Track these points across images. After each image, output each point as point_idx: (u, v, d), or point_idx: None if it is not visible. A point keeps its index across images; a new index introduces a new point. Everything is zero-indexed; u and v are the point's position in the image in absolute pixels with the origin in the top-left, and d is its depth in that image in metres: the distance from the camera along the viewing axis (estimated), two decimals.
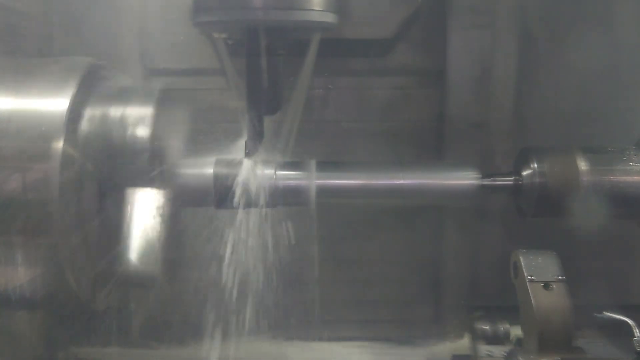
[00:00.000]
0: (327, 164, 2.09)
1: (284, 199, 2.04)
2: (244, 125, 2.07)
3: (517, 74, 2.48)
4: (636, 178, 2.00)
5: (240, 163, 2.01)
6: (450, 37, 2.46)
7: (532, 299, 1.72)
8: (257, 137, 2.06)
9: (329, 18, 1.99)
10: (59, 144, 1.67)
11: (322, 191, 2.03)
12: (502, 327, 2.04)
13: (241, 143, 2.07)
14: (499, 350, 1.98)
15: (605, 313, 1.79)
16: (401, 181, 2.03)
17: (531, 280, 1.75)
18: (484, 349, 2.07)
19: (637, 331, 1.69)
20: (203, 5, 1.95)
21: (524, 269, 1.77)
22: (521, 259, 1.80)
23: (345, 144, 2.56)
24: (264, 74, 2.04)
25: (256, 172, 2.01)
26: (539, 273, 1.77)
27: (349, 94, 2.60)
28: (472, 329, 2.15)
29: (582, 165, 2.00)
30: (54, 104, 1.72)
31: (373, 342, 2.60)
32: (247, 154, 2.04)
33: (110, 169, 1.85)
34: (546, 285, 1.75)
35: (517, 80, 2.49)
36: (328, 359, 2.54)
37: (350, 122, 2.60)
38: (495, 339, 2.05)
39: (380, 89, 2.60)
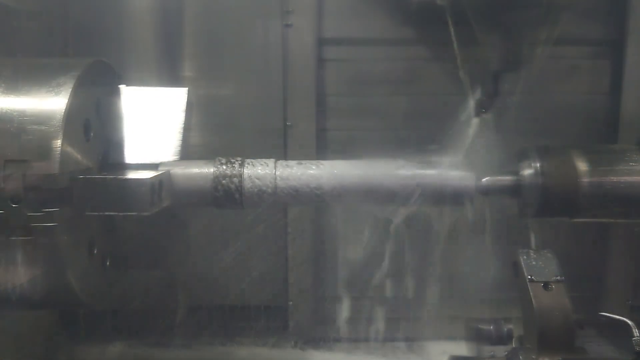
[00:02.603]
0: (327, 161, 2.09)
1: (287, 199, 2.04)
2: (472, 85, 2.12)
3: None
4: (637, 178, 1.99)
5: (241, 163, 2.01)
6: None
7: (532, 298, 1.72)
8: (492, 94, 2.09)
9: None
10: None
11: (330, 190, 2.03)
12: (505, 327, 2.04)
13: None
14: (501, 351, 1.98)
15: (604, 313, 1.79)
16: (399, 181, 2.02)
17: (531, 280, 1.75)
18: (486, 349, 2.06)
19: (637, 331, 1.68)
20: None
21: (524, 269, 1.77)
22: (521, 259, 1.80)
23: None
24: (512, 30, 2.06)
25: (257, 171, 2.01)
26: (538, 273, 1.77)
27: None
28: (474, 329, 2.14)
29: (583, 165, 2.00)
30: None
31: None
32: (480, 112, 2.04)
33: None
34: (545, 285, 1.75)
35: None
36: None
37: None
38: (498, 340, 2.05)
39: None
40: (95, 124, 1.93)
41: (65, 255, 1.74)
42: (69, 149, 1.74)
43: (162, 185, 1.92)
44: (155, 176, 1.87)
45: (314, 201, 2.06)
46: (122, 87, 2.11)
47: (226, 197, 2.00)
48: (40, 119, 1.71)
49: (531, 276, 1.76)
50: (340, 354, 2.64)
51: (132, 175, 1.92)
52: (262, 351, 2.65)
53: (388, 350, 2.65)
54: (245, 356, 2.62)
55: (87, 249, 1.92)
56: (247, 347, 2.66)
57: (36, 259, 1.73)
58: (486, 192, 2.06)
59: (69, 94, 1.73)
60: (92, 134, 1.90)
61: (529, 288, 1.73)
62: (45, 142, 1.69)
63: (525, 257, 1.80)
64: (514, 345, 1.90)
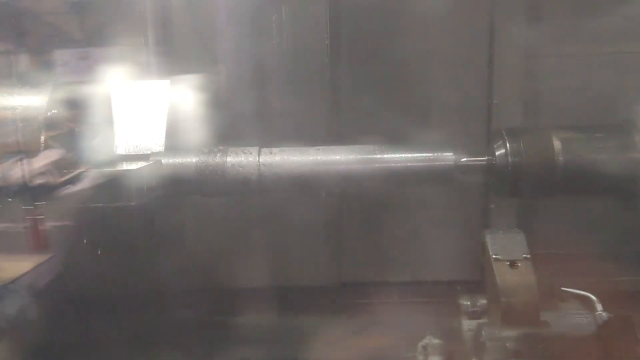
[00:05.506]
0: (310, 147, 2.15)
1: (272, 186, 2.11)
2: None
3: None
4: (611, 155, 2.02)
5: (223, 152, 2.09)
6: None
7: (496, 277, 1.78)
8: None
9: None
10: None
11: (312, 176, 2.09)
12: (480, 302, 2.10)
13: None
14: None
15: (566, 289, 1.84)
16: (376, 164, 2.07)
17: (496, 259, 1.81)
18: (466, 323, 2.13)
19: (600, 305, 1.74)
20: None
21: (489, 248, 1.83)
22: (488, 238, 1.86)
23: None
24: None
25: (240, 160, 2.09)
26: (505, 252, 1.83)
27: None
28: (457, 304, 2.21)
29: (557, 144, 2.02)
30: None
31: None
32: None
33: None
34: (512, 264, 1.81)
35: None
36: None
37: None
38: (474, 314, 2.12)
39: None
40: (82, 118, 2.02)
41: (57, 246, 1.86)
42: (56, 144, 1.84)
43: (151, 176, 2.01)
44: (142, 167, 1.96)
45: (299, 188, 2.13)
46: (109, 80, 2.20)
47: (210, 185, 2.08)
48: (27, 115, 1.81)
49: (497, 255, 1.82)
50: None
51: (120, 167, 2.02)
52: None
53: None
54: None
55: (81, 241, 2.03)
56: None
57: (30, 250, 1.86)
58: (465, 171, 2.11)
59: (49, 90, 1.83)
60: (78, 129, 2.00)
61: (493, 267, 1.79)
62: (33, 137, 1.80)
63: (491, 236, 1.86)
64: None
